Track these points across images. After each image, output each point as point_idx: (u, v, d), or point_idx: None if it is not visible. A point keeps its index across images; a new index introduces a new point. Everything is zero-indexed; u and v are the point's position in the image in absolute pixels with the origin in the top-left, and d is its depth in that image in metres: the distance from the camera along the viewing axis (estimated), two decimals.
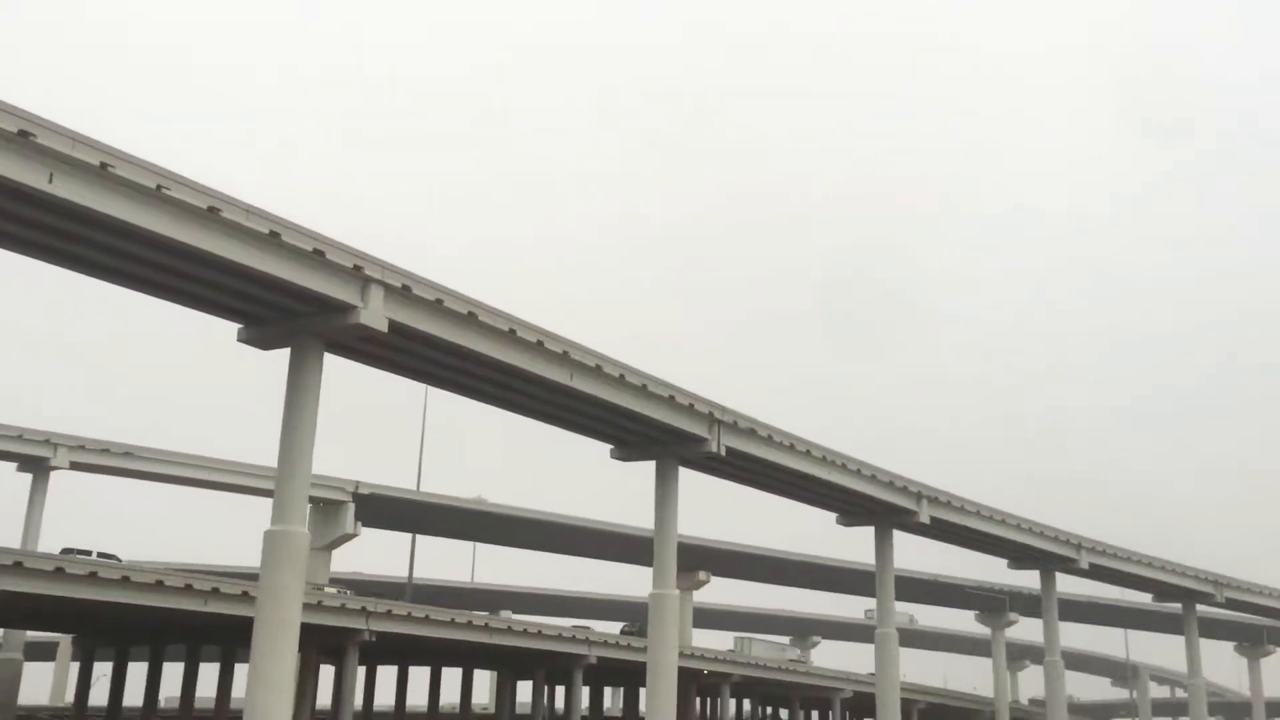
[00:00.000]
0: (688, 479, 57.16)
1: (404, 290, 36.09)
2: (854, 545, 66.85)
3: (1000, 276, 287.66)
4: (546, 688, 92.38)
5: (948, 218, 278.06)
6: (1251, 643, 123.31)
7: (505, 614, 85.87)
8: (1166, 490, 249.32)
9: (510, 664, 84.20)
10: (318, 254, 33.41)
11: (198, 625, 57.57)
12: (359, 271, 34.71)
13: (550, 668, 79.83)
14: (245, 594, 51.24)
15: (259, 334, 36.51)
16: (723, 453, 50.33)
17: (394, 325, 35.97)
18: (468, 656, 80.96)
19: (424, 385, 54.63)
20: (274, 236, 32.26)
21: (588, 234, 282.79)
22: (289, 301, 34.85)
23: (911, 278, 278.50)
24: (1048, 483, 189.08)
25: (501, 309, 39.11)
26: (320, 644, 63.52)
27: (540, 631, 74.03)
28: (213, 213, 30.77)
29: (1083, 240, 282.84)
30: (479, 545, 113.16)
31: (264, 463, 64.32)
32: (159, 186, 29.55)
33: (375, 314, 35.15)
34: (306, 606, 57.09)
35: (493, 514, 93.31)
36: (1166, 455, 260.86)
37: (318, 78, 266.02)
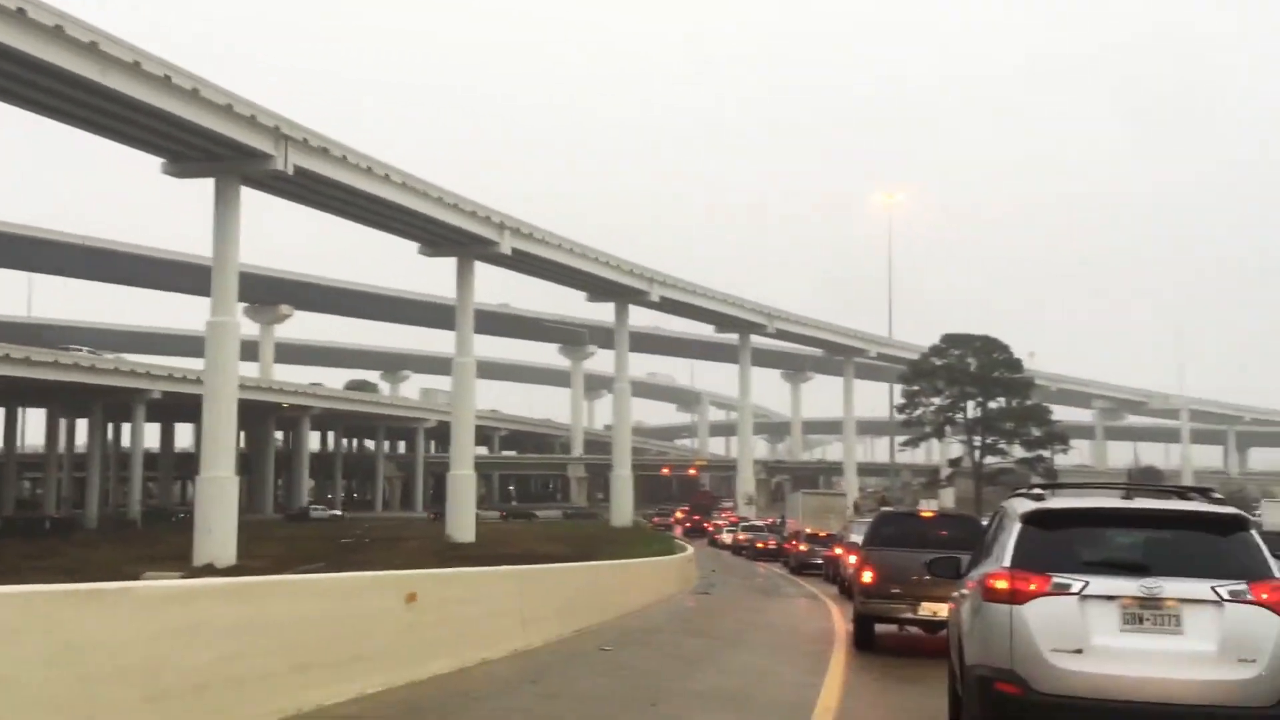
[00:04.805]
0: (271, 209, 52.95)
1: None
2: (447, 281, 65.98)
3: None
4: (110, 425, 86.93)
5: None
6: (795, 370, 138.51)
7: (78, 350, 76.54)
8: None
9: (62, 401, 77.81)
10: None
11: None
12: None
13: (108, 403, 74.62)
14: None
15: None
16: (290, 172, 46.78)
17: None
18: (9, 395, 73.82)
19: None
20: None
21: None
22: None
23: None
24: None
25: None
26: None
27: (94, 366, 68.31)
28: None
29: None
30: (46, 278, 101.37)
31: None
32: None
33: None
34: None
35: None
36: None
37: None
